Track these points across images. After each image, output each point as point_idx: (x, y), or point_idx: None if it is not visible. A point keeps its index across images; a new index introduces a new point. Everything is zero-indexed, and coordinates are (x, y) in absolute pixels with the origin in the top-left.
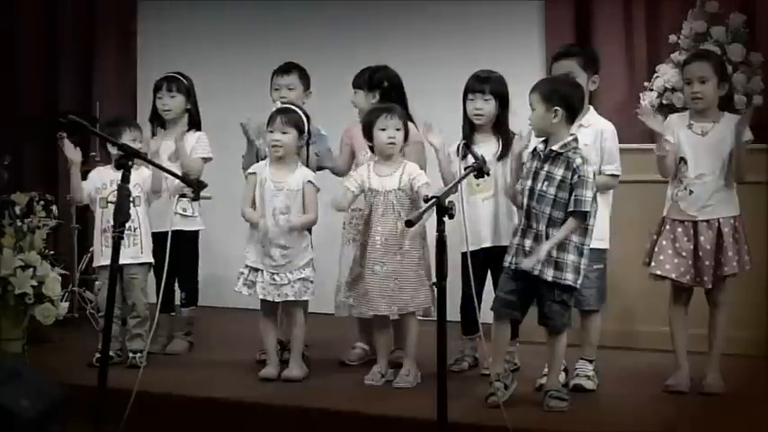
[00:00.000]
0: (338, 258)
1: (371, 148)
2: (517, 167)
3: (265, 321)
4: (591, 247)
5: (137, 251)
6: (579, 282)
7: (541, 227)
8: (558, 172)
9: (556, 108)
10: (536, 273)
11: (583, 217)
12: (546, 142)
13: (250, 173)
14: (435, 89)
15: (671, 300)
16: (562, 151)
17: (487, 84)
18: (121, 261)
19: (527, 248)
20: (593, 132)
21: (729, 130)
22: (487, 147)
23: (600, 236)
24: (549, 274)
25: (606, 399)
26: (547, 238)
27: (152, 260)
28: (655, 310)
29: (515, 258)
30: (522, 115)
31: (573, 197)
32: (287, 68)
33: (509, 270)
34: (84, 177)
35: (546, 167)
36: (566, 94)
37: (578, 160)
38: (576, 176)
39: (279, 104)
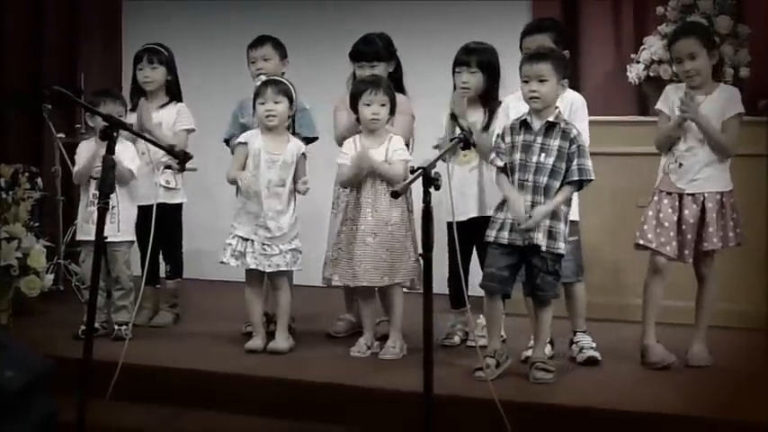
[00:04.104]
0: (327, 230)
1: (358, 119)
2: None
3: (251, 292)
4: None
5: (113, 229)
6: (565, 250)
7: (538, 197)
8: (555, 143)
9: (564, 80)
10: (536, 243)
11: (580, 186)
12: (529, 115)
13: (240, 142)
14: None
15: (648, 270)
16: (556, 122)
17: (474, 56)
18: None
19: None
20: (565, 104)
21: (722, 103)
22: (474, 118)
23: (573, 208)
24: (544, 244)
25: (592, 370)
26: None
27: (130, 238)
28: (635, 282)
29: (508, 233)
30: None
31: (576, 167)
32: (260, 41)
33: (497, 245)
34: (72, 151)
35: (539, 139)
36: (566, 66)
37: (574, 131)
38: (574, 146)
39: (263, 78)
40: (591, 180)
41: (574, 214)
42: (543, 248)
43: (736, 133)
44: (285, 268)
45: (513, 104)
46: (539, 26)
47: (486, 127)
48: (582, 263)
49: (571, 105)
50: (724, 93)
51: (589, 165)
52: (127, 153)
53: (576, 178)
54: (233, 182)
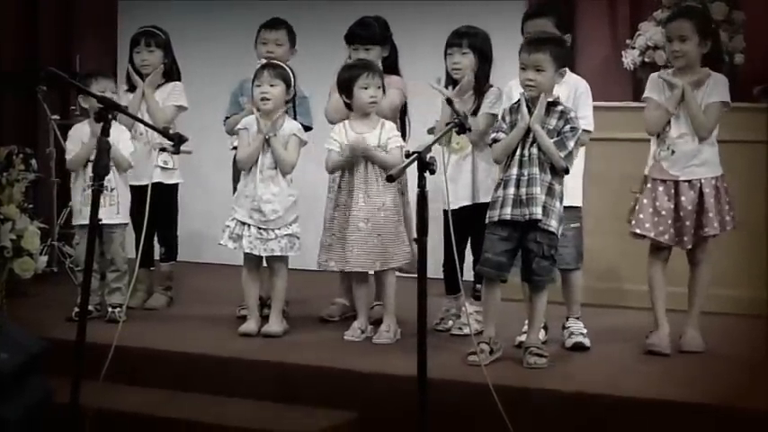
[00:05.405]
0: (322, 215)
1: (348, 105)
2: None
3: (248, 275)
4: (566, 204)
5: (112, 212)
6: (560, 231)
7: (534, 170)
8: (552, 122)
9: (563, 69)
10: (536, 217)
11: (559, 167)
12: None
13: (241, 128)
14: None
15: (649, 258)
16: (556, 101)
17: (465, 38)
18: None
19: (523, 197)
20: (568, 88)
21: (709, 88)
22: (465, 103)
23: (575, 193)
24: (538, 216)
25: (585, 356)
26: (539, 183)
27: (125, 221)
28: (633, 269)
29: (510, 209)
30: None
31: (558, 137)
32: (276, 23)
33: (498, 225)
34: (66, 132)
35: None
36: (566, 54)
37: (572, 113)
38: (568, 126)
39: (263, 61)
40: (562, 158)
41: (576, 200)
42: (539, 218)
43: (714, 118)
44: (279, 253)
45: (515, 89)
46: (539, 10)
47: (476, 111)
48: (582, 250)
49: (575, 90)
50: (714, 81)
51: (570, 146)
52: (122, 140)
53: (554, 138)
54: (243, 168)
